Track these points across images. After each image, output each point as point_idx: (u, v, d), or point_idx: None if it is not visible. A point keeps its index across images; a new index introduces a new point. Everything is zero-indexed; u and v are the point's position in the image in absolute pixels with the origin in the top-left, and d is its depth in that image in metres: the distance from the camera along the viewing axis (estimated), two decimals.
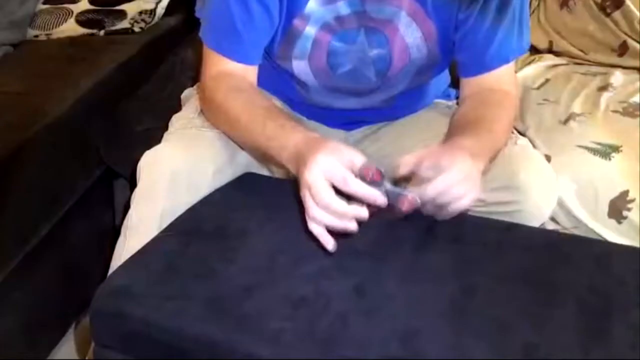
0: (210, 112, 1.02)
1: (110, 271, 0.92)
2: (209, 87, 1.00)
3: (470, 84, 1.05)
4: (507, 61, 1.03)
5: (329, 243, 0.79)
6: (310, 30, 1.00)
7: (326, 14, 0.99)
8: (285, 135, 0.87)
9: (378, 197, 0.78)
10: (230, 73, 0.99)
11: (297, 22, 0.99)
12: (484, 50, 1.01)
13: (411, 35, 1.01)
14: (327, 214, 0.77)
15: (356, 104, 1.10)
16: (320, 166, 0.78)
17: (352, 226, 0.78)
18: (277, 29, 1.00)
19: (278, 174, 1.05)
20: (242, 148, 1.00)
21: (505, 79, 1.05)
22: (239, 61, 1.00)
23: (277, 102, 1.09)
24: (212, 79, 1.00)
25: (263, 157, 0.99)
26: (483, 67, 1.03)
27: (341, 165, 0.78)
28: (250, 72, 1.01)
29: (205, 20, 1.03)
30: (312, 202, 0.78)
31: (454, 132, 0.96)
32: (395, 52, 1.02)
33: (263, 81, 1.04)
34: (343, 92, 1.08)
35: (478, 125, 0.95)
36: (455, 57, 1.06)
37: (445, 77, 1.20)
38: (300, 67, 1.04)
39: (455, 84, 1.15)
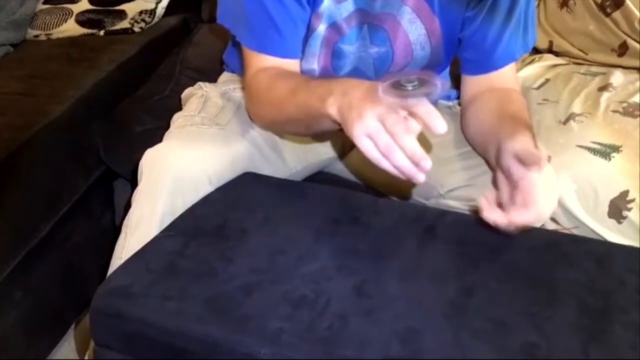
0: (257, 106, 1.01)
1: (111, 269, 0.92)
2: (252, 84, 1.00)
3: (477, 83, 1.04)
4: (513, 59, 1.04)
5: (418, 174, 0.76)
6: (322, 28, 1.00)
7: (337, 13, 0.99)
8: (330, 82, 0.85)
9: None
10: (270, 67, 0.98)
11: (313, 19, 0.99)
12: (493, 48, 1.01)
13: (415, 32, 1.01)
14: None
15: None
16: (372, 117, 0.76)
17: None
18: None
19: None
20: (291, 133, 1.02)
21: (512, 78, 1.05)
22: (280, 56, 0.99)
23: None
24: (253, 77, 1.00)
25: (311, 124, 0.95)
26: (490, 65, 1.03)
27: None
28: (291, 66, 1.00)
29: (240, 25, 1.02)
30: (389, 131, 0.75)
31: (499, 131, 0.92)
32: (397, 50, 1.02)
33: None
34: None
35: (522, 122, 0.93)
36: (460, 55, 1.05)
37: (446, 78, 1.20)
38: (309, 65, 1.04)
39: (454, 84, 1.14)
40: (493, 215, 0.80)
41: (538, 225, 0.82)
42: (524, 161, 0.80)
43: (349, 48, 1.02)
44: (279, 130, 1.06)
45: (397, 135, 0.75)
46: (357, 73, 1.05)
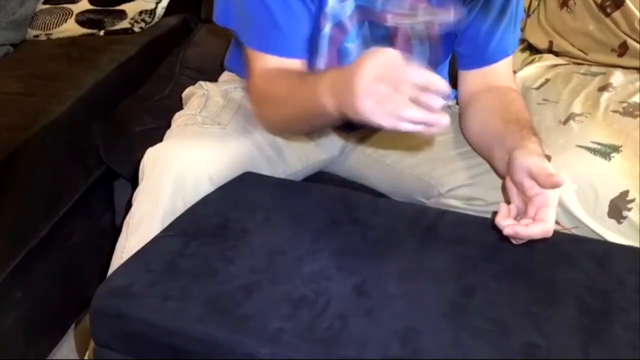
0: (260, 108, 1.02)
1: (111, 269, 0.92)
2: (258, 84, 1.00)
3: (474, 79, 1.05)
4: (507, 54, 1.05)
5: (443, 117, 0.74)
6: (327, 28, 1.00)
7: (341, 12, 0.99)
8: (320, 75, 0.86)
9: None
10: (273, 68, 0.99)
11: (321, 19, 0.99)
12: (487, 42, 1.02)
13: (414, 28, 1.01)
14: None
15: None
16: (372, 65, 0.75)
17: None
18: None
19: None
20: (298, 133, 1.04)
21: (508, 75, 1.07)
22: (283, 55, 0.98)
23: None
24: (259, 77, 1.00)
25: (313, 121, 0.96)
26: (485, 59, 1.04)
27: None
28: (294, 66, 0.99)
29: (243, 25, 1.02)
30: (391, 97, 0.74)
31: (503, 134, 0.93)
32: (397, 46, 1.02)
33: None
34: None
35: (527, 126, 0.94)
36: (456, 50, 1.07)
37: (445, 78, 1.20)
38: (319, 66, 1.04)
39: (452, 83, 1.15)
40: (504, 222, 0.81)
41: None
42: (540, 183, 0.81)
43: (352, 46, 1.02)
44: (285, 131, 1.06)
45: (399, 84, 0.73)
46: None
